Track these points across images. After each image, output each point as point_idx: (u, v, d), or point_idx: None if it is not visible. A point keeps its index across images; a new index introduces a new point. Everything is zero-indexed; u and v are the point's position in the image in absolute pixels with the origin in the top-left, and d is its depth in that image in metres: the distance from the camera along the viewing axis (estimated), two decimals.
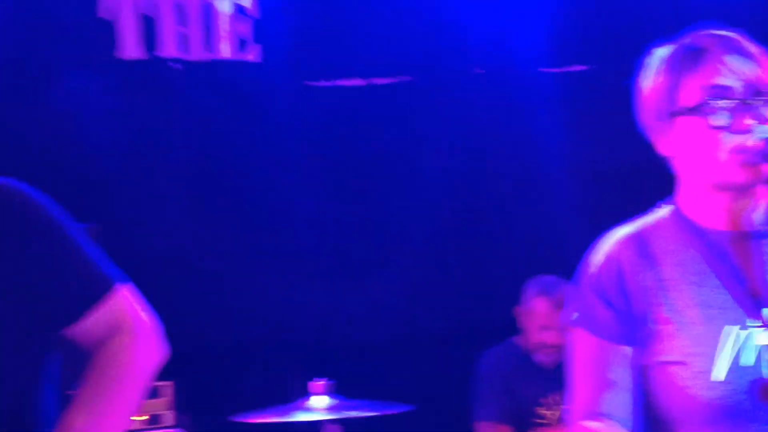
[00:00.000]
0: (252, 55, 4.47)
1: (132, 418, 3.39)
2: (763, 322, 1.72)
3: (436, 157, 4.55)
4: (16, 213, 1.75)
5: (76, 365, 1.87)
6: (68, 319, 1.78)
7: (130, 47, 4.42)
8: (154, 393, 3.76)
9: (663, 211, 1.83)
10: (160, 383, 3.76)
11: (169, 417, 3.77)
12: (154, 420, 3.75)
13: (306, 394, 3.51)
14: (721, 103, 1.70)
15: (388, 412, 3.61)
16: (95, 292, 1.79)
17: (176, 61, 4.44)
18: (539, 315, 3.93)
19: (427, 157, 4.56)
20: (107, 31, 4.42)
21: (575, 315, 1.82)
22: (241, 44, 4.46)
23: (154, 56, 4.43)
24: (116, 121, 4.38)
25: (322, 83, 4.51)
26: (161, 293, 4.27)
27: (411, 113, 4.55)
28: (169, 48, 4.44)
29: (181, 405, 3.81)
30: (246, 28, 4.46)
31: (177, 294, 4.29)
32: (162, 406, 3.77)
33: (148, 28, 4.42)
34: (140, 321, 1.84)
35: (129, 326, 1.81)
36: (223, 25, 4.44)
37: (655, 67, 1.79)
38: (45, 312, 1.77)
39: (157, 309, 4.37)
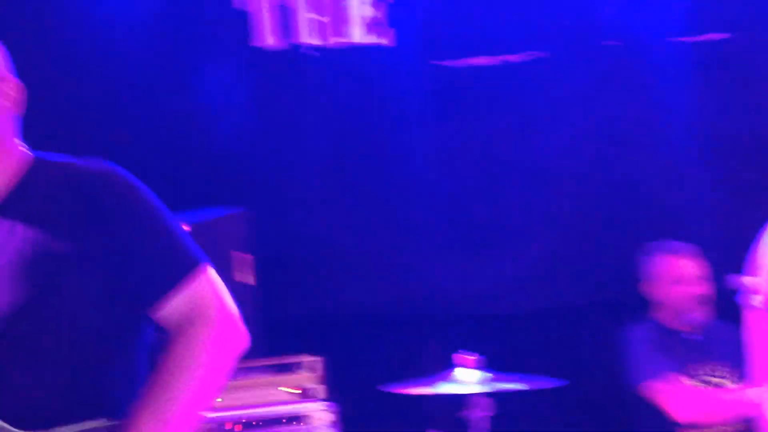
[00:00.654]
0: (385, 38, 4.53)
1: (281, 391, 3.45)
2: None
3: (570, 130, 4.53)
4: (112, 195, 1.82)
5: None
6: (153, 298, 1.81)
7: (266, 36, 4.54)
8: (304, 368, 3.87)
9: None
10: (310, 358, 3.86)
11: (319, 391, 3.86)
12: (306, 394, 3.84)
13: (453, 367, 3.54)
14: None
15: (540, 386, 3.60)
16: (179, 273, 1.82)
17: (311, 48, 4.54)
18: (670, 271, 3.88)
19: (561, 131, 4.54)
20: (243, 21, 4.54)
21: (758, 299, 1.78)
22: (374, 28, 4.53)
23: (289, 44, 4.54)
24: (255, 109, 4.52)
25: (454, 63, 4.53)
26: (307, 273, 4.43)
27: (544, 89, 4.53)
28: (303, 35, 4.54)
29: (330, 378, 3.91)
30: (379, 12, 4.53)
31: (323, 272, 4.40)
32: (313, 380, 3.87)
33: (283, 16, 4.53)
34: (220, 309, 1.86)
35: (208, 315, 1.83)
36: (357, 10, 4.52)
37: None
38: (132, 290, 1.81)
39: (304, 287, 4.50)
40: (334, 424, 3.75)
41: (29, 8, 4.33)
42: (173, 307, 1.81)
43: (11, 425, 1.70)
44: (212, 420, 3.73)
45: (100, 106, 4.43)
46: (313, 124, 4.52)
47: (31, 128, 4.49)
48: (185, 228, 1.95)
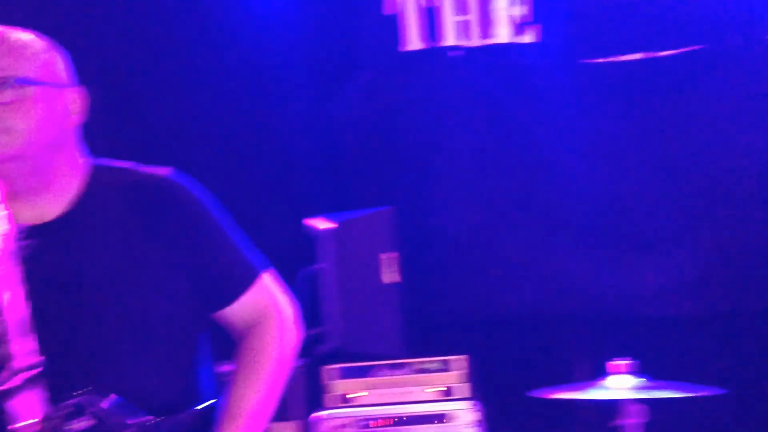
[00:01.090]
0: (531, 36, 4.49)
1: (428, 390, 3.55)
2: None
3: (730, 127, 4.34)
4: (179, 205, 1.95)
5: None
6: (221, 303, 2.00)
7: (413, 40, 4.58)
8: (449, 366, 3.86)
9: None
10: (456, 357, 3.85)
11: (464, 389, 3.84)
12: (450, 392, 3.84)
13: (604, 372, 3.42)
14: None
15: (697, 394, 3.43)
16: (244, 279, 2.00)
17: (457, 49, 4.55)
18: None
19: (720, 127, 4.35)
20: (391, 26, 4.60)
21: None
22: (521, 26, 4.50)
23: (435, 47, 4.57)
24: (401, 111, 4.56)
25: (600, 60, 4.43)
26: (455, 272, 4.41)
27: (696, 84, 4.36)
28: (449, 37, 4.56)
29: (476, 378, 3.88)
30: (525, 10, 4.49)
31: (471, 272, 4.38)
32: (457, 378, 3.86)
33: (430, 19, 4.55)
34: (283, 307, 2.05)
35: (272, 314, 2.03)
36: (503, 10, 4.50)
37: None
38: (204, 293, 1.97)
39: (452, 287, 4.49)
40: (478, 424, 3.72)
41: (181, 12, 4.52)
42: (239, 309, 2.01)
43: None
44: (356, 417, 3.78)
45: (251, 111, 4.58)
46: (459, 123, 4.52)
47: (182, 130, 4.68)
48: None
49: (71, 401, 1.76)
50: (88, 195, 1.91)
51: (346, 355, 3.88)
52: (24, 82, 1.83)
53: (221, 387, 2.06)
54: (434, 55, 4.57)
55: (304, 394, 3.90)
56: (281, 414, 3.83)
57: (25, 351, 1.76)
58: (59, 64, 1.94)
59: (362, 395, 3.88)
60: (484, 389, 3.94)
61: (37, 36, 1.94)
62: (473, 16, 4.52)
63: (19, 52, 1.85)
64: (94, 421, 1.76)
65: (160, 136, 4.44)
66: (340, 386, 3.90)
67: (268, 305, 2.03)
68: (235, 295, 1.99)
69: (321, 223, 3.96)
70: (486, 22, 4.52)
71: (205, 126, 4.58)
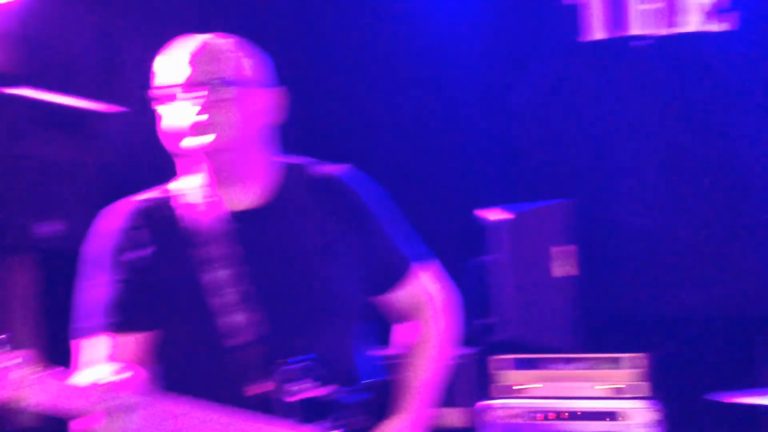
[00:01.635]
0: (724, 24, 4.29)
1: (599, 387, 3.50)
2: None
3: None
4: (354, 199, 2.15)
5: None
6: (380, 290, 2.17)
7: (596, 29, 4.48)
8: (623, 363, 3.75)
9: None
10: (633, 354, 3.74)
11: (642, 388, 3.72)
12: (625, 391, 3.73)
13: None
14: None
15: None
16: (402, 270, 2.17)
17: (642, 38, 4.41)
18: None
19: None
20: (572, 16, 4.51)
21: None
22: (714, 14, 4.30)
23: (619, 36, 4.44)
24: (583, 102, 4.47)
25: None
26: (635, 266, 4.28)
27: None
28: (635, 27, 4.43)
29: (656, 377, 3.75)
30: None
31: (653, 267, 4.25)
32: (635, 377, 3.74)
33: (614, 8, 4.44)
34: (442, 295, 2.22)
35: (427, 304, 2.20)
36: None
37: None
38: (365, 281, 2.13)
39: (631, 281, 4.34)
40: (655, 425, 3.59)
41: (366, 8, 4.61)
42: (400, 296, 2.18)
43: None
44: (524, 408, 3.73)
45: (430, 102, 4.61)
46: (643, 116, 4.39)
47: (362, 122, 4.77)
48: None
49: (286, 367, 1.97)
50: (285, 187, 2.11)
51: (516, 347, 3.84)
52: (228, 83, 2.00)
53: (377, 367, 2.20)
54: (617, 45, 4.45)
55: (472, 382, 3.89)
56: (449, 400, 3.84)
57: (248, 322, 1.98)
58: (259, 67, 2.11)
59: (530, 387, 3.82)
60: (661, 389, 3.80)
61: (239, 41, 2.11)
62: (661, 4, 4.37)
63: (222, 57, 2.04)
64: (304, 386, 1.98)
65: (335, 127, 4.55)
66: (509, 377, 3.86)
67: (423, 295, 2.20)
68: (392, 283, 2.17)
69: (494, 214, 3.93)
70: (674, 10, 4.36)
71: (384, 117, 4.66)
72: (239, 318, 1.98)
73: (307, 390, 1.98)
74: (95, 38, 4.65)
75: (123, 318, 2.02)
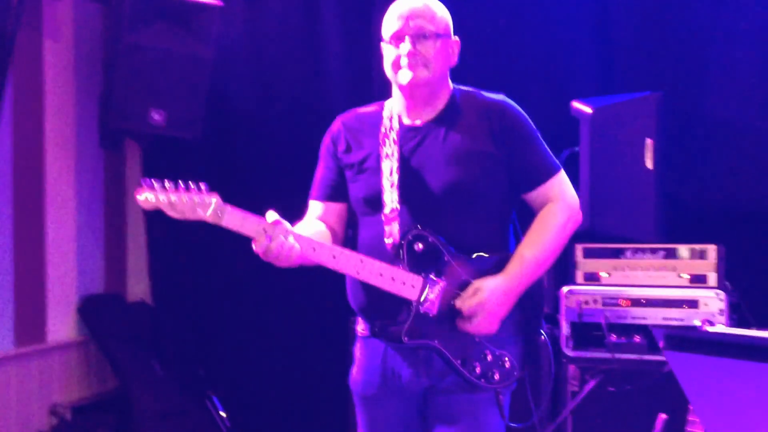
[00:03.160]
0: None
1: (682, 275, 3.68)
2: None
3: None
4: (509, 118, 2.80)
5: None
6: (529, 187, 2.82)
7: None
8: (700, 254, 3.88)
9: None
10: (707, 245, 3.86)
11: (712, 278, 3.86)
12: (697, 279, 3.87)
13: None
14: None
15: None
16: (545, 174, 2.82)
17: None
18: None
19: None
20: None
21: None
22: None
23: None
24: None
25: None
26: (722, 158, 4.30)
27: None
28: None
29: (726, 268, 3.87)
30: None
31: (735, 161, 4.28)
32: (707, 267, 3.87)
33: None
34: (570, 197, 2.84)
35: (562, 199, 2.82)
36: None
37: None
38: (518, 179, 2.80)
39: (712, 175, 4.34)
40: (723, 312, 3.74)
41: None
42: (539, 193, 2.83)
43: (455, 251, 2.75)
44: (605, 294, 3.92)
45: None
46: (739, 9, 4.33)
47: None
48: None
49: (414, 232, 2.71)
50: (450, 105, 2.85)
51: (598, 236, 3.99)
52: (437, 36, 2.78)
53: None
54: None
55: (554, 269, 4.07)
56: (535, 285, 4.05)
57: (395, 200, 2.75)
58: (450, 21, 2.85)
59: (611, 275, 4.00)
60: (736, 278, 3.92)
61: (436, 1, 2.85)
62: None
63: (428, 15, 2.79)
64: (425, 248, 2.70)
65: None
66: (592, 264, 4.04)
67: (560, 193, 2.82)
68: (538, 183, 2.81)
69: (583, 107, 4.04)
70: None
71: (475, 12, 4.71)
72: (394, 196, 2.74)
73: (425, 250, 2.69)
74: None
75: (326, 191, 2.92)
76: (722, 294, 3.76)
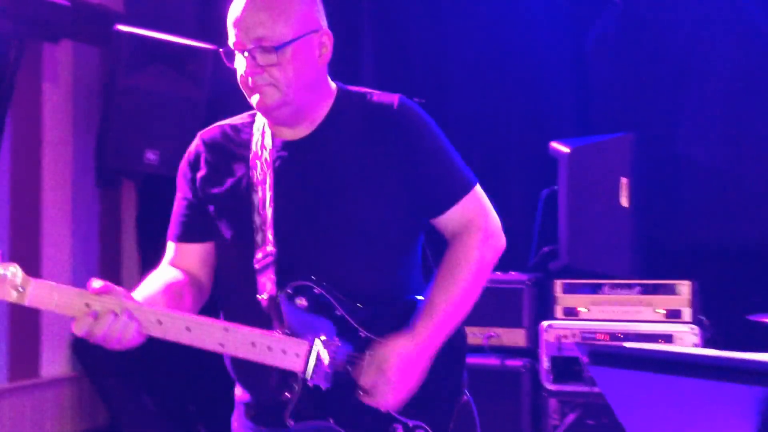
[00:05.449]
0: None
1: (657, 311, 3.68)
2: None
3: None
4: (405, 125, 2.21)
5: None
6: (436, 211, 2.23)
7: None
8: (675, 291, 4.00)
9: None
10: (680, 281, 3.97)
11: (687, 313, 3.98)
12: (673, 315, 3.98)
13: None
14: None
15: None
16: (456, 193, 2.22)
17: None
18: None
19: None
20: None
21: None
22: None
23: None
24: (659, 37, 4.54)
25: None
26: (692, 198, 4.42)
27: None
28: None
29: (700, 303, 3.98)
30: None
31: (704, 198, 4.39)
32: (682, 303, 3.99)
33: None
34: (489, 220, 2.24)
35: (479, 224, 2.22)
36: None
37: None
38: (421, 202, 2.22)
39: (686, 212, 4.46)
40: (698, 346, 3.84)
41: None
42: (450, 217, 2.24)
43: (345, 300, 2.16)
44: (582, 329, 4.02)
45: (504, 37, 4.79)
46: (713, 50, 4.46)
47: (437, 57, 4.91)
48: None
49: (295, 284, 2.12)
50: (332, 116, 2.24)
51: (577, 272, 4.10)
52: (284, 45, 2.09)
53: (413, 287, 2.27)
54: None
55: (534, 305, 4.19)
56: (515, 321, 4.17)
57: (269, 241, 2.15)
58: (312, 12, 2.18)
59: (589, 310, 4.11)
60: (708, 314, 4.03)
61: None
62: None
63: (277, 12, 2.10)
64: (310, 303, 2.12)
65: (411, 62, 4.77)
66: (570, 300, 4.15)
67: (476, 216, 2.23)
68: (448, 205, 2.23)
69: (560, 147, 4.18)
70: None
71: (458, 52, 4.86)
72: (267, 236, 2.14)
73: (310, 305, 2.11)
74: None
75: (182, 230, 2.29)
76: (696, 329, 3.87)
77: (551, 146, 4.22)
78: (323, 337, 2.12)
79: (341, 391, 2.13)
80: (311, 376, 2.11)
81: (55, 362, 5.15)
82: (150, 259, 5.45)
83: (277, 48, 2.09)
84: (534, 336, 4.11)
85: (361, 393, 2.12)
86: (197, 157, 2.30)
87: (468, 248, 2.21)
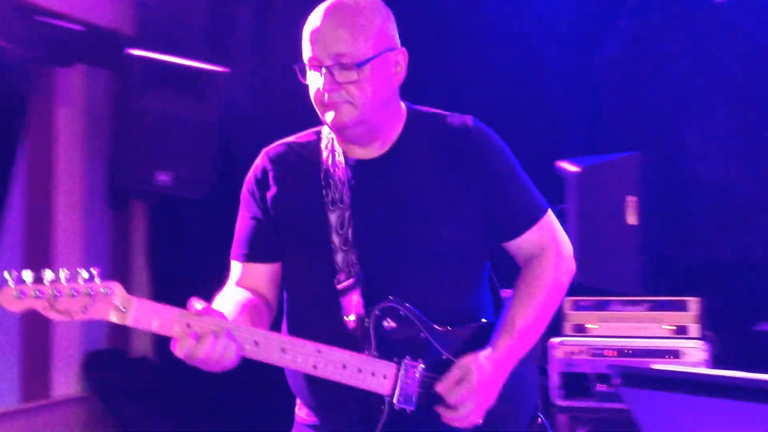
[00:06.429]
0: None
1: (665, 327, 3.71)
2: None
3: None
4: (480, 148, 2.23)
5: None
6: (511, 235, 2.27)
7: None
8: (683, 307, 4.02)
9: None
10: (688, 298, 4.00)
11: (695, 329, 4.00)
12: (681, 331, 4.00)
13: None
14: None
15: None
16: (532, 217, 2.27)
17: None
18: None
19: None
20: None
21: None
22: None
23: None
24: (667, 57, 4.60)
25: None
26: (698, 215, 4.45)
27: None
28: None
29: (707, 319, 4.01)
30: None
31: (713, 214, 4.41)
32: (689, 319, 4.01)
33: None
34: (563, 244, 2.30)
35: (554, 248, 2.27)
36: None
37: None
38: (497, 225, 2.24)
39: (693, 230, 4.48)
40: (706, 362, 3.86)
41: None
42: (526, 239, 2.27)
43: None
44: (591, 345, 4.05)
45: (516, 60, 4.84)
46: (719, 72, 4.51)
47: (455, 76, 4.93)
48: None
49: (383, 305, 2.12)
50: (406, 136, 2.24)
51: (586, 289, 4.13)
52: (364, 62, 2.10)
53: (501, 308, 2.31)
54: (698, 1, 4.57)
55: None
56: None
57: (354, 262, 2.14)
58: (389, 29, 2.18)
59: (599, 326, 4.13)
60: (715, 329, 4.05)
61: (360, 7, 2.14)
62: None
63: (357, 28, 2.09)
64: (397, 324, 2.13)
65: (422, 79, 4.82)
66: (579, 317, 4.18)
67: (549, 240, 2.28)
68: (524, 229, 2.26)
69: (569, 166, 4.21)
70: None
71: (467, 71, 4.90)
72: (350, 257, 2.12)
73: (397, 327, 2.11)
74: (206, 1, 5.02)
75: (250, 250, 2.24)
76: (704, 345, 3.89)
77: (559, 165, 4.25)
78: (409, 360, 2.12)
79: (423, 414, 2.13)
80: (398, 399, 2.10)
81: (65, 382, 5.18)
82: (160, 280, 5.52)
83: (358, 65, 2.09)
84: (543, 352, 4.13)
85: (445, 410, 2.12)
86: (265, 174, 2.27)
87: (545, 270, 2.26)
